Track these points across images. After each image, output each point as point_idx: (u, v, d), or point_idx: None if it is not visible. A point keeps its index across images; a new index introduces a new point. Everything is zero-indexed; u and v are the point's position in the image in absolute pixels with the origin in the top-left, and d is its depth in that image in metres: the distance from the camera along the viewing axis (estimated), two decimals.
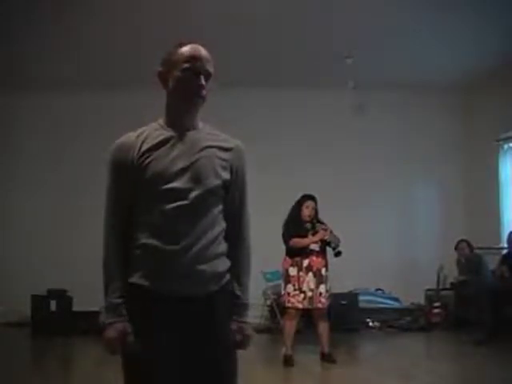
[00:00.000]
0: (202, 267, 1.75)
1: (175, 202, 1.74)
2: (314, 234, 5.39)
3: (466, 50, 6.86)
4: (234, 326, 1.85)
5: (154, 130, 1.83)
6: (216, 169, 1.81)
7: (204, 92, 1.81)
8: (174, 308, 1.73)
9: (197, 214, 1.76)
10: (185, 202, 1.74)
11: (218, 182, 1.80)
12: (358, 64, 6.89)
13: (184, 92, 1.80)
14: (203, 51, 1.82)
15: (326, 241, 5.39)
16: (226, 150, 1.86)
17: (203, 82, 1.80)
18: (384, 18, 6.01)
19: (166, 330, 1.72)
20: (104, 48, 6.66)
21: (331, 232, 5.43)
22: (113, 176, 1.82)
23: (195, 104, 1.82)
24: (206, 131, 1.88)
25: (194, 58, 1.79)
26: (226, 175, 1.83)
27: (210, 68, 1.82)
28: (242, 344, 1.88)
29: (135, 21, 5.99)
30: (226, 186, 1.83)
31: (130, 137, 1.83)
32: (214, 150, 1.83)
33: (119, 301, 1.75)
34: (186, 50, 1.81)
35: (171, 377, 1.72)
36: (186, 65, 1.78)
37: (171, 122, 1.84)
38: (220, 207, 1.83)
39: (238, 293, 1.88)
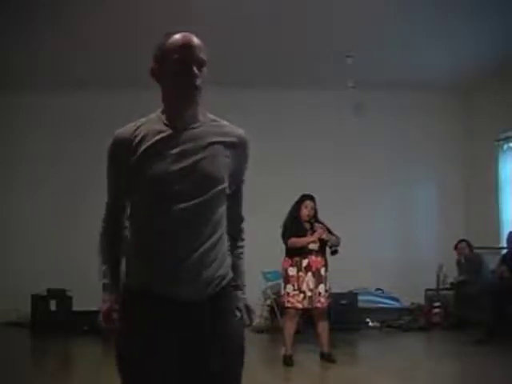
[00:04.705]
0: (205, 271, 1.71)
1: (177, 204, 1.68)
2: (313, 234, 5.39)
3: (465, 50, 6.86)
4: (241, 305, 1.91)
5: (154, 125, 1.75)
6: (220, 169, 1.74)
7: (198, 81, 1.72)
8: (174, 311, 1.70)
9: (200, 217, 1.71)
10: (187, 204, 1.68)
11: (222, 183, 1.75)
12: (358, 64, 6.89)
13: (177, 84, 1.72)
14: (193, 38, 1.74)
15: (324, 240, 5.39)
16: (230, 145, 1.79)
17: (195, 70, 1.71)
18: (384, 17, 6.01)
19: (165, 333, 1.70)
20: (104, 48, 6.66)
21: (331, 232, 5.43)
22: (109, 172, 1.81)
23: (191, 95, 1.73)
24: (208, 123, 1.80)
25: (183, 47, 1.71)
26: (228, 174, 1.77)
27: (203, 55, 1.74)
28: (249, 318, 1.96)
29: (135, 21, 5.99)
30: (228, 185, 1.78)
31: (127, 131, 1.75)
32: (217, 146, 1.76)
33: (107, 282, 1.82)
34: (174, 40, 1.73)
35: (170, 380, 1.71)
36: (176, 55, 1.70)
37: (171, 118, 1.76)
38: (224, 207, 1.79)
39: (236, 277, 1.91)
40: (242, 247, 1.98)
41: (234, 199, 1.88)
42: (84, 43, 6.52)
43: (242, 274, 1.97)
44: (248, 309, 1.96)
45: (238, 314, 1.90)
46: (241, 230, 1.98)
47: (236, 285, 1.92)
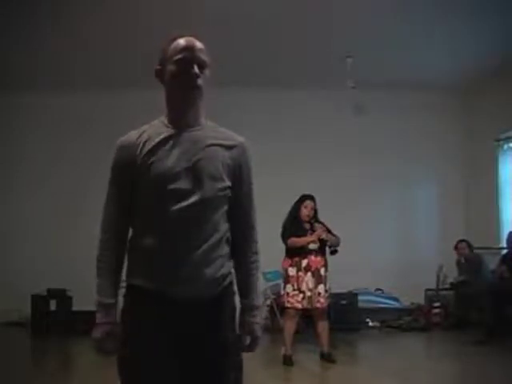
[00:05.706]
0: (205, 271, 1.72)
1: (178, 203, 1.70)
2: (312, 234, 5.38)
3: (465, 50, 6.86)
4: (243, 328, 1.85)
5: (156, 129, 1.79)
6: (219, 169, 1.77)
7: (199, 81, 1.77)
8: (174, 311, 1.70)
9: (200, 217, 1.73)
10: (187, 204, 1.71)
11: (221, 183, 1.76)
12: (358, 64, 6.89)
13: (179, 84, 1.76)
14: (195, 41, 1.80)
15: (324, 240, 5.38)
16: (229, 147, 1.82)
17: (197, 70, 1.76)
18: (384, 18, 6.01)
19: (165, 333, 1.70)
20: (104, 48, 6.66)
21: (330, 232, 5.43)
22: (113, 176, 1.81)
23: (192, 95, 1.78)
24: (210, 128, 1.83)
25: (185, 49, 1.76)
26: (229, 175, 1.79)
27: (204, 57, 1.79)
28: (250, 346, 1.86)
29: (135, 21, 5.99)
30: (229, 186, 1.79)
31: (132, 136, 1.79)
32: (216, 148, 1.79)
33: (109, 301, 1.75)
34: (177, 42, 1.79)
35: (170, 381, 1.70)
36: (178, 56, 1.76)
37: (173, 119, 1.80)
38: (224, 208, 1.79)
39: (246, 294, 1.86)
40: (254, 262, 1.88)
41: (243, 208, 1.87)
42: (84, 43, 6.52)
43: (254, 294, 1.87)
44: (254, 338, 1.85)
45: (243, 339, 1.83)
46: (252, 242, 1.89)
47: (250, 306, 1.85)
